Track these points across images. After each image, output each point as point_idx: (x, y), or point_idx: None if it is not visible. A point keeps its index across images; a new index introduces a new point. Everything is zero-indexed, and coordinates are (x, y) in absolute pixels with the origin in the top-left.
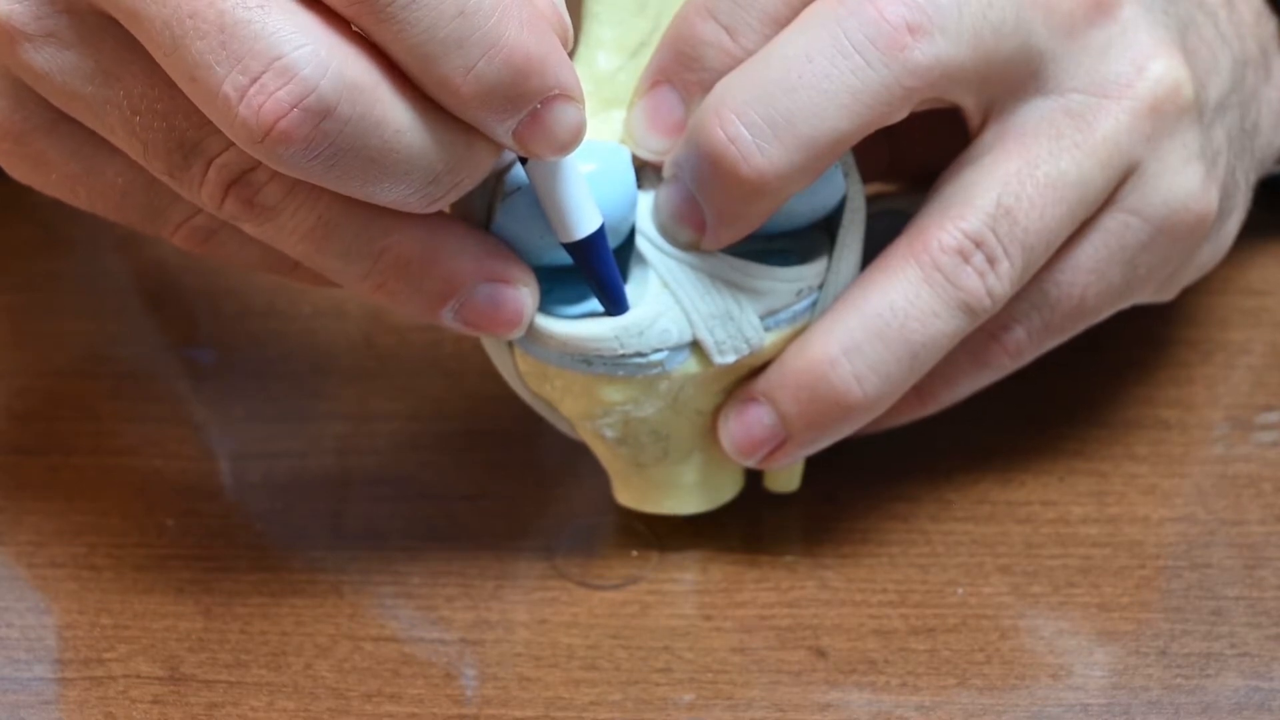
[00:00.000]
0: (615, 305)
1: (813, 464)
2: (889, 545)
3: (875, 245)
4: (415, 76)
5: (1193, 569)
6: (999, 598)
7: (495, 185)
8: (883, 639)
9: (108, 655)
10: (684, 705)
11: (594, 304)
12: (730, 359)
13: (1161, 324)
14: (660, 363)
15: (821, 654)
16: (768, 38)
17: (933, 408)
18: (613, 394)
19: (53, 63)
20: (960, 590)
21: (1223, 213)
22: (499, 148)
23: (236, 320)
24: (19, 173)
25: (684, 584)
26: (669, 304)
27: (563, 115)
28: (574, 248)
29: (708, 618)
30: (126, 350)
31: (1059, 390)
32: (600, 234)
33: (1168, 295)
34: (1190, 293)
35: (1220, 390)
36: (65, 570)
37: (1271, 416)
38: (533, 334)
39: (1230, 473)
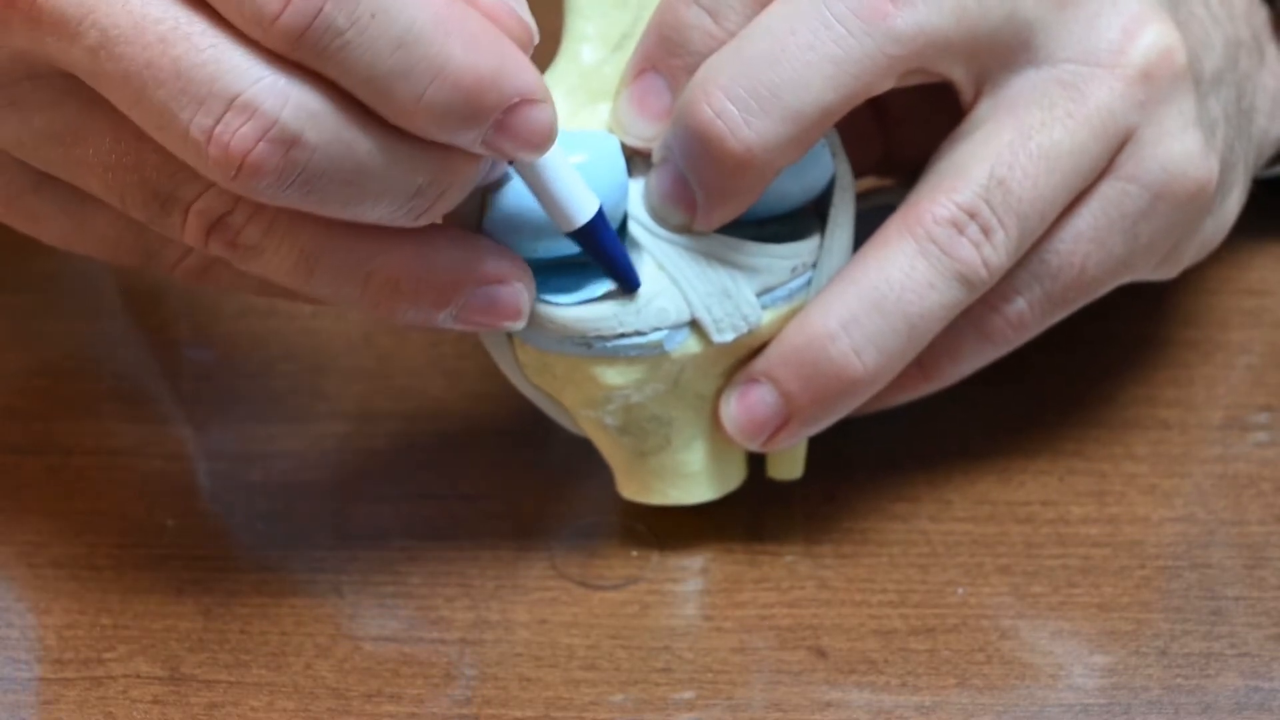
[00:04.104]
0: (627, 282)
1: (813, 464)
2: (889, 545)
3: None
4: (371, 106)
5: (1193, 569)
6: (999, 598)
7: (486, 179)
8: (883, 639)
9: (108, 655)
10: (684, 705)
11: (591, 290)
12: (729, 337)
13: (1161, 324)
14: (659, 342)
15: (821, 654)
16: (750, 19)
17: (937, 383)
18: (613, 377)
19: (21, 129)
20: (960, 590)
21: (1223, 186)
22: (478, 156)
23: (236, 320)
24: (17, 228)
25: (684, 584)
26: (665, 284)
27: (529, 118)
28: (577, 234)
29: (708, 618)
30: (126, 350)
31: (1059, 390)
32: (600, 216)
33: (1171, 272)
34: (1190, 293)
35: (1220, 390)
36: (65, 570)
37: (1271, 417)
38: (532, 322)
39: (1230, 473)
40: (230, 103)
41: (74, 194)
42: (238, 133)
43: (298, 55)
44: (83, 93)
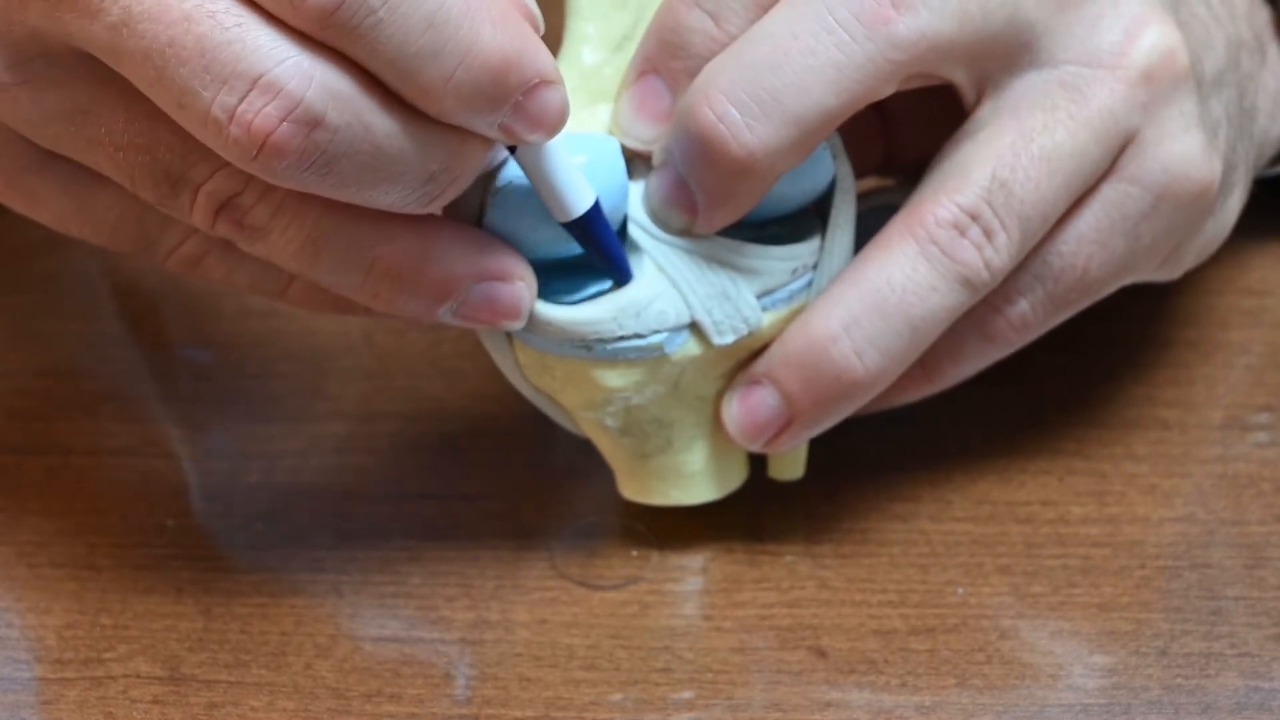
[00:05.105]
0: (621, 274)
1: (814, 464)
2: (889, 545)
3: (870, 239)
4: (395, 88)
5: (1193, 569)
6: (999, 598)
7: (486, 182)
8: (883, 639)
9: (108, 655)
10: (684, 705)
11: (590, 293)
12: (729, 339)
13: (1161, 324)
14: (659, 345)
15: (821, 654)
16: (751, 22)
17: (940, 385)
18: (613, 380)
19: (33, 107)
20: (960, 590)
21: (1225, 186)
22: (491, 141)
23: (236, 320)
24: (15, 208)
25: (684, 584)
26: (665, 286)
27: (546, 100)
28: (573, 225)
29: (708, 618)
30: (125, 350)
31: (1059, 390)
32: (596, 208)
33: (1173, 273)
34: (1190, 293)
35: (1220, 390)
36: (65, 570)
37: (1271, 417)
38: (531, 323)
39: (1230, 473)
40: (254, 82)
41: (76, 175)
42: (261, 112)
43: (326, 35)
44: (97, 72)
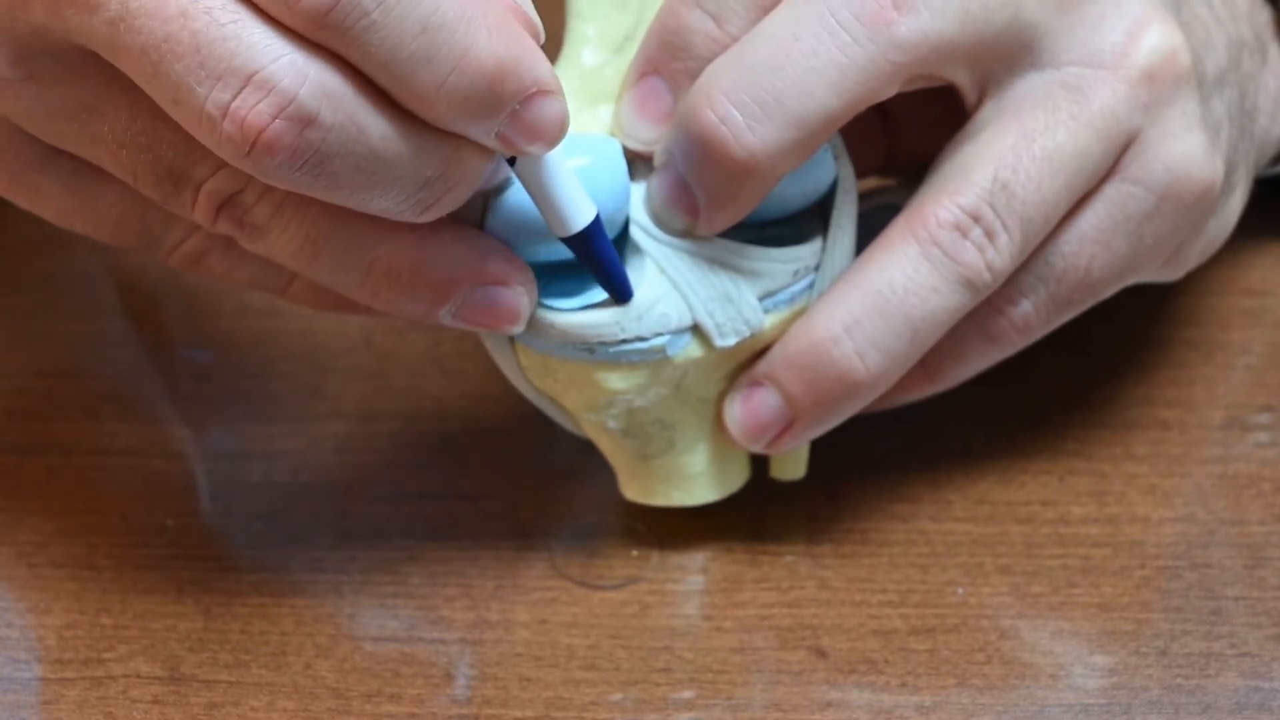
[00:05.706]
0: (620, 293)
1: (815, 464)
2: (889, 545)
3: (871, 239)
4: (389, 91)
5: (1193, 569)
6: (999, 598)
7: (487, 184)
8: (883, 639)
9: (108, 655)
10: (684, 705)
11: (592, 295)
12: (731, 341)
13: (1161, 324)
14: (662, 347)
15: (821, 654)
16: (753, 23)
17: (942, 385)
18: (616, 382)
19: (37, 103)
20: (960, 590)
21: (1227, 186)
22: (490, 151)
23: (236, 320)
24: (19, 203)
25: (684, 584)
26: (667, 289)
27: (544, 111)
28: (572, 240)
29: (708, 618)
30: (126, 350)
31: (1059, 390)
32: (597, 224)
33: (1176, 273)
34: (1190, 293)
35: (1220, 390)
36: (65, 570)
37: (1271, 417)
38: (533, 326)
39: (1230, 473)
40: (248, 79)
41: (79, 171)
42: (254, 109)
43: (320, 35)
44: (101, 69)
